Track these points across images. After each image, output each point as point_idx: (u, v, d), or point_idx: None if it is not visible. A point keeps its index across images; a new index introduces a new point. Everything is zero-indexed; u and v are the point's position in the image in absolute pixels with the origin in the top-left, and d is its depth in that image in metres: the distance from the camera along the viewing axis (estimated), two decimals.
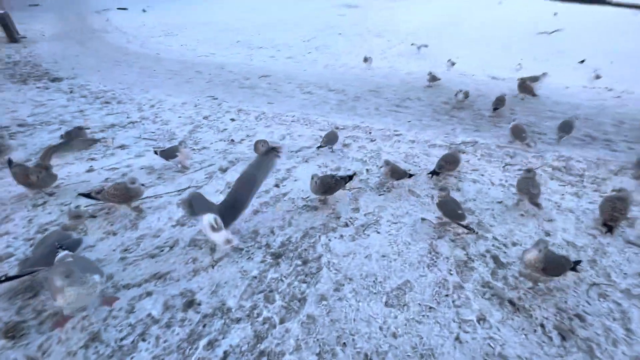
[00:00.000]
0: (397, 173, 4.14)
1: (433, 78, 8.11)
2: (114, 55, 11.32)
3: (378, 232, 3.41)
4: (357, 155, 5.20)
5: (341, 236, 3.34)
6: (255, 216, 3.61)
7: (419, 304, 2.59)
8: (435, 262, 3.02)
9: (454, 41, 13.41)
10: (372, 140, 5.87)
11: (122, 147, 5.29)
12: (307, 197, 4.01)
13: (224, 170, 4.60)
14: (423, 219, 3.67)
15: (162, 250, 3.05)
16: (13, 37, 12.20)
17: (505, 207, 3.93)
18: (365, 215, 3.69)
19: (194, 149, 5.22)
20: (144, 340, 2.22)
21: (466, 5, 20.68)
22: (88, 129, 5.49)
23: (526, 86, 7.48)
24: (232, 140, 5.64)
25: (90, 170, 4.51)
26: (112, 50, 11.97)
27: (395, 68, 10.52)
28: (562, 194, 4.37)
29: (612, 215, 3.40)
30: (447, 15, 17.90)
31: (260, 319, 2.41)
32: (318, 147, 5.24)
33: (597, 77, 10.41)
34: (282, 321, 2.40)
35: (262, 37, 15.54)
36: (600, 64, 10.72)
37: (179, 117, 6.73)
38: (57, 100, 7.37)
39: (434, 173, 4.46)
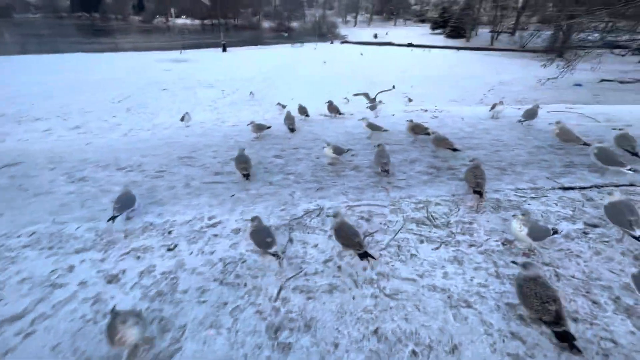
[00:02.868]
0: None
1: (258, 127, 6.26)
2: None
3: None
4: (130, 296, 2.59)
5: None
6: None
7: None
8: None
9: (290, 85, 12.47)
10: (169, 250, 3.38)
11: None
12: None
13: None
14: None
15: None
16: None
17: None
18: None
19: None
20: None
21: (298, 59, 20.96)
22: None
23: (333, 107, 7.74)
24: None
25: None
26: None
27: (222, 120, 8.43)
28: (443, 266, 2.88)
29: (476, 182, 3.79)
30: (282, 66, 17.43)
31: None
32: None
33: (410, 100, 10.81)
34: None
35: (52, 103, 11.27)
36: (405, 90, 11.35)
37: None
38: None
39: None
